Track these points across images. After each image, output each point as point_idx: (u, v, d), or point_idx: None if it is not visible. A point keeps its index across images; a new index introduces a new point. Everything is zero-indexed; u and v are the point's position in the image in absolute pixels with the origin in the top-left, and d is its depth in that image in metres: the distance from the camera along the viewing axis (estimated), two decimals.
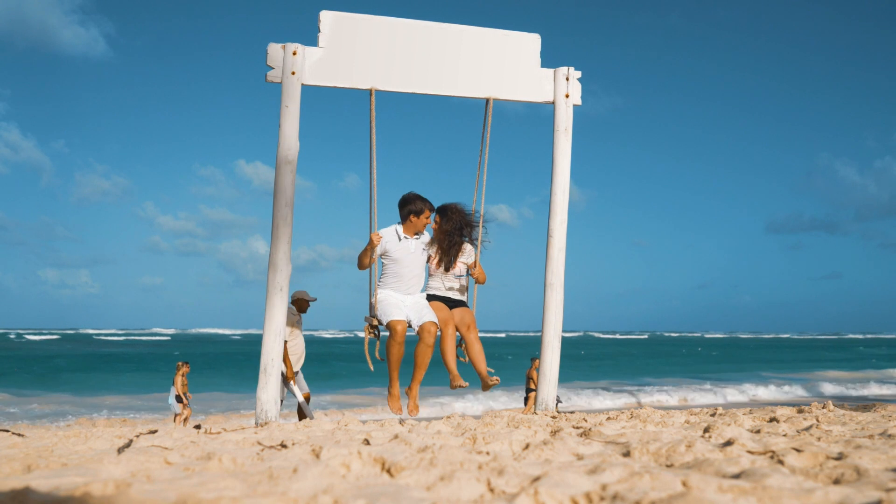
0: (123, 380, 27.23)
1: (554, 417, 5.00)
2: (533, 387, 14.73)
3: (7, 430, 4.15)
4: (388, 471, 2.46)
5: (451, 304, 5.79)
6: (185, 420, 13.20)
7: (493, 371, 5.83)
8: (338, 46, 5.54)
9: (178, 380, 13.31)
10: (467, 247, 5.85)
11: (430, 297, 5.79)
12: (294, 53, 5.42)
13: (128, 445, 3.32)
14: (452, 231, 5.76)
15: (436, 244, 5.85)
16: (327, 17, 5.55)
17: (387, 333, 5.57)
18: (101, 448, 3.28)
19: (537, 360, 15.37)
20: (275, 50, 5.44)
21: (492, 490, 2.19)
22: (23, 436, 3.93)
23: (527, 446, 3.13)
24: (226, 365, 37.08)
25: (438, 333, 5.53)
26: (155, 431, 4.03)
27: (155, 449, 3.08)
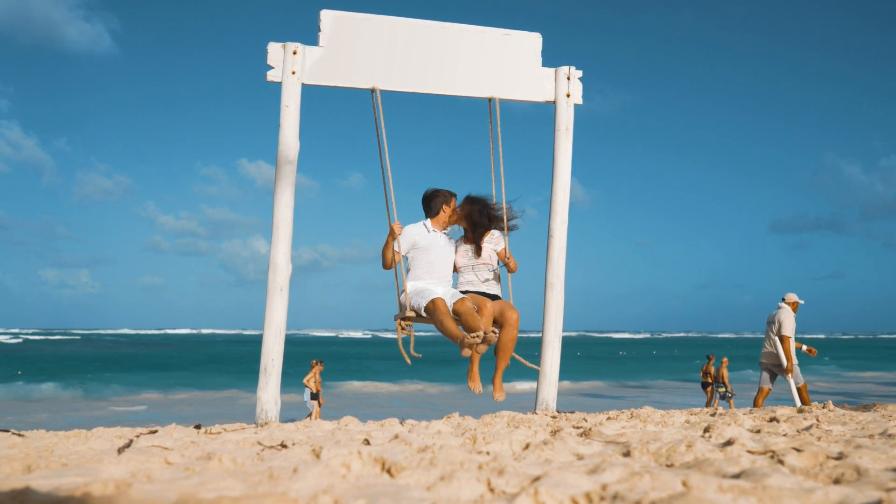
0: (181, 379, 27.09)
1: (554, 417, 5.00)
2: (710, 381, 15.92)
3: (7, 430, 4.14)
4: (389, 471, 2.46)
5: (489, 298, 5.55)
6: (317, 415, 13.42)
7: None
8: (338, 46, 5.53)
9: (312, 378, 13.54)
10: (495, 232, 5.70)
11: (465, 293, 5.54)
12: (294, 53, 5.42)
13: (128, 445, 3.32)
14: (478, 219, 5.61)
15: (461, 238, 5.75)
16: (327, 17, 5.54)
17: (422, 332, 5.43)
18: (101, 448, 3.28)
19: (714, 357, 16.69)
20: (275, 49, 5.43)
21: (492, 490, 2.19)
22: (23, 436, 3.93)
23: (527, 446, 3.13)
24: (234, 363, 37.11)
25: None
26: (155, 431, 4.03)
27: (155, 449, 3.07)
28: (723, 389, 15.52)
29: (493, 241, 5.70)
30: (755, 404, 9.15)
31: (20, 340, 66.42)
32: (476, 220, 5.63)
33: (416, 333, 5.60)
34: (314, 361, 13.88)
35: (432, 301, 5.15)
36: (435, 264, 5.51)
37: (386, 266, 5.48)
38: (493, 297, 5.59)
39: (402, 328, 5.48)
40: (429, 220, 5.67)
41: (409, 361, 5.41)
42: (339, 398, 21.72)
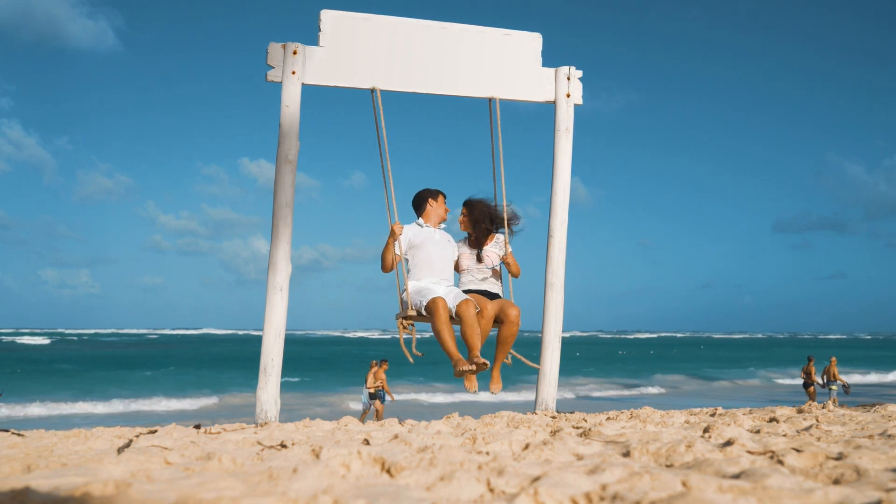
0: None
1: (554, 417, 5.00)
2: (811, 381, 16.81)
3: (7, 430, 4.15)
4: (388, 471, 2.46)
5: (490, 296, 5.57)
6: (378, 414, 13.51)
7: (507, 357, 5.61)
8: (338, 46, 5.53)
9: (370, 378, 13.65)
10: (499, 237, 5.73)
11: (466, 292, 5.55)
12: (294, 53, 5.42)
13: (128, 445, 3.32)
14: (480, 220, 5.65)
15: (464, 239, 5.77)
16: (328, 17, 5.54)
17: (424, 334, 5.43)
18: (101, 448, 3.28)
19: (813, 358, 17.61)
20: (275, 49, 5.43)
21: (492, 490, 2.18)
22: (22, 435, 3.93)
23: (527, 446, 3.13)
24: (233, 363, 37.15)
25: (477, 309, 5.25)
26: (155, 431, 4.03)
27: (155, 449, 3.07)
28: (835, 388, 16.49)
29: (498, 246, 5.71)
30: None
31: (51, 340, 66.19)
32: (479, 223, 5.65)
33: (417, 332, 5.61)
34: (374, 362, 13.91)
35: (433, 300, 5.13)
36: (433, 260, 5.49)
37: (386, 269, 5.46)
38: (494, 296, 5.60)
39: (404, 327, 5.47)
40: (420, 218, 5.70)
41: (411, 360, 5.38)
42: (340, 398, 21.72)
